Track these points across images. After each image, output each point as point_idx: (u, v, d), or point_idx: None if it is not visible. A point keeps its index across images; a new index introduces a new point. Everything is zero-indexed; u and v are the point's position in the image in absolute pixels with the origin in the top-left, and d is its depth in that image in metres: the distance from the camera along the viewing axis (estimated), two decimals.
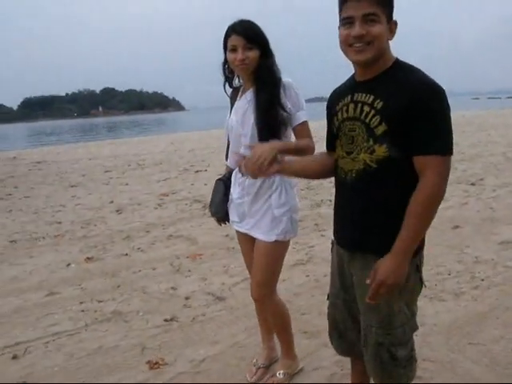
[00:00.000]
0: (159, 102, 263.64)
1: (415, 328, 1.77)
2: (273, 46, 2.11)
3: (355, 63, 1.66)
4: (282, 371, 2.42)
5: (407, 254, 1.56)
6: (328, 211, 5.87)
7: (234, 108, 2.23)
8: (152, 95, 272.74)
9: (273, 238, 2.14)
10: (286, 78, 2.11)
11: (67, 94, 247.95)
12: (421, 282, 1.74)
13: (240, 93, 2.24)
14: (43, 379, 2.58)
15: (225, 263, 4.24)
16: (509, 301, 3.23)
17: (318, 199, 6.53)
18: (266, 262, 2.20)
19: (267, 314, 2.42)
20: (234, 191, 2.27)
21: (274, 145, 1.77)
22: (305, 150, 2.04)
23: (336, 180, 1.81)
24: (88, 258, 4.55)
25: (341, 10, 1.60)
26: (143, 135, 29.32)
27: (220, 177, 2.40)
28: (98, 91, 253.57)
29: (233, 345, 2.84)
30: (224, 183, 2.33)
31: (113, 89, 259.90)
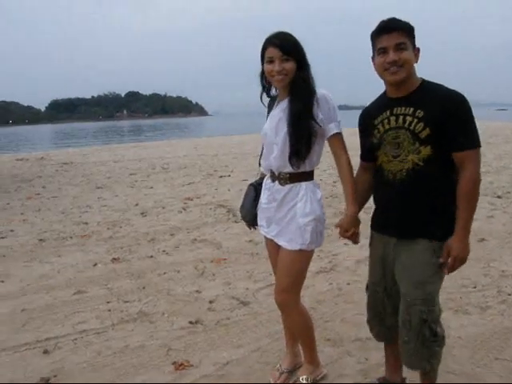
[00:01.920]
0: (182, 107, 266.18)
1: (441, 309, 2.11)
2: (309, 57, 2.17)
3: (391, 83, 2.03)
4: (304, 376, 2.44)
5: (468, 230, 1.95)
6: None
7: (269, 116, 2.29)
8: (176, 99, 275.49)
9: (297, 247, 2.19)
10: (321, 90, 2.16)
11: (93, 97, 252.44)
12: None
13: (276, 102, 2.29)
14: (73, 374, 2.66)
15: (249, 268, 4.28)
16: None
17: (342, 207, 6.50)
18: (288, 269, 2.24)
19: (289, 319, 2.44)
20: (263, 196, 2.34)
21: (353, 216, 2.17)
22: (348, 175, 2.19)
23: (380, 181, 2.14)
24: (114, 259, 4.65)
25: (374, 43, 2.03)
26: (167, 139, 29.65)
27: (252, 182, 2.48)
28: (122, 95, 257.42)
29: (256, 349, 2.87)
30: (255, 188, 2.41)
31: (137, 92, 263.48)
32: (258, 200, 2.40)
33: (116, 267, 4.43)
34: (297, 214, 2.17)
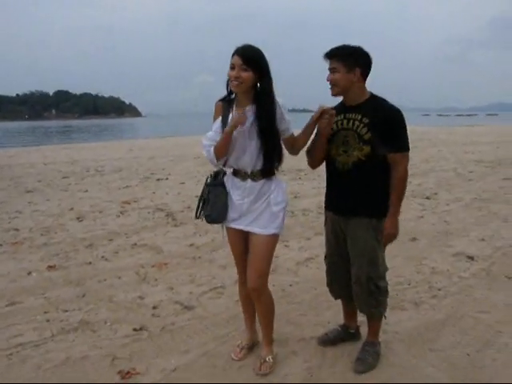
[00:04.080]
0: (115, 107, 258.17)
1: (387, 268, 2.71)
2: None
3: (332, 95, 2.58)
4: (269, 356, 2.72)
5: (397, 214, 2.53)
6: (290, 222, 5.99)
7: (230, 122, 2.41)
8: (108, 100, 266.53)
9: (271, 231, 2.50)
10: (277, 98, 2.44)
11: (18, 95, 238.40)
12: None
13: (234, 107, 2.45)
14: None
15: (191, 272, 4.26)
16: (463, 309, 3.44)
17: (295, 209, 6.63)
18: (264, 253, 2.53)
19: (260, 302, 2.66)
20: (234, 194, 2.55)
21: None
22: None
23: (332, 170, 2.66)
24: (50, 267, 4.44)
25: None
26: (100, 140, 28.67)
27: (210, 181, 2.59)
28: (51, 93, 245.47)
29: (203, 354, 2.87)
30: (224, 188, 2.55)
31: (67, 91, 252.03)
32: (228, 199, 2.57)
33: (52, 275, 4.24)
34: (270, 203, 2.50)
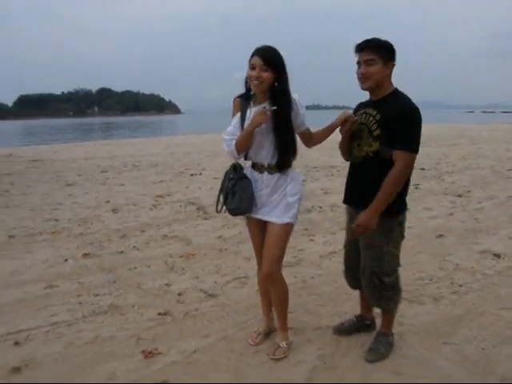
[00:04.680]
0: (156, 104, 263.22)
1: (398, 265, 2.69)
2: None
3: (363, 89, 2.58)
4: (283, 342, 2.84)
5: (378, 211, 2.46)
6: (318, 217, 6.08)
7: (248, 118, 2.58)
8: (148, 97, 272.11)
9: (286, 221, 2.64)
10: (295, 95, 2.58)
11: (63, 93, 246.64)
12: (401, 234, 2.66)
13: (251, 103, 2.62)
14: (44, 364, 2.74)
15: (217, 263, 4.42)
16: (484, 305, 3.43)
17: (309, 205, 6.73)
18: (278, 240, 2.66)
19: (274, 288, 2.79)
20: (253, 186, 2.69)
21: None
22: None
23: (350, 162, 2.75)
24: (85, 254, 4.71)
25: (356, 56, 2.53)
26: (139, 137, 29.43)
27: (233, 176, 2.69)
28: (94, 91, 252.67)
29: (223, 338, 3.01)
30: (249, 180, 2.68)
31: (109, 89, 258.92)
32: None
33: (87, 262, 4.50)
34: (287, 194, 2.64)
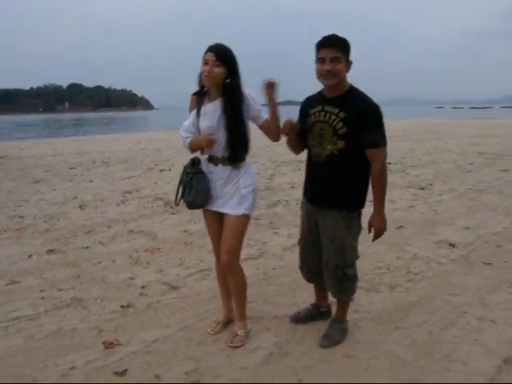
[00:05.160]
0: (128, 100, 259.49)
1: (357, 256, 2.81)
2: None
3: (326, 86, 2.61)
4: (241, 330, 2.93)
5: (382, 208, 2.63)
6: (283, 211, 6.19)
7: (204, 113, 2.70)
8: (121, 92, 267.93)
9: (241, 212, 2.72)
10: (246, 90, 2.66)
11: (32, 88, 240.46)
12: (360, 226, 2.76)
13: (206, 99, 2.71)
14: (2, 359, 2.76)
15: (181, 256, 4.48)
16: (435, 292, 3.60)
17: (275, 199, 6.84)
18: (234, 232, 2.74)
19: (232, 278, 2.88)
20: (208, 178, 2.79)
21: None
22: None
23: (309, 159, 2.78)
24: (50, 250, 4.70)
25: (316, 52, 2.55)
26: (110, 133, 29.05)
27: (190, 170, 2.78)
28: (64, 86, 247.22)
29: (183, 328, 3.09)
30: (204, 174, 2.77)
31: (80, 84, 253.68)
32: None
33: (51, 258, 4.50)
34: (240, 186, 2.71)
